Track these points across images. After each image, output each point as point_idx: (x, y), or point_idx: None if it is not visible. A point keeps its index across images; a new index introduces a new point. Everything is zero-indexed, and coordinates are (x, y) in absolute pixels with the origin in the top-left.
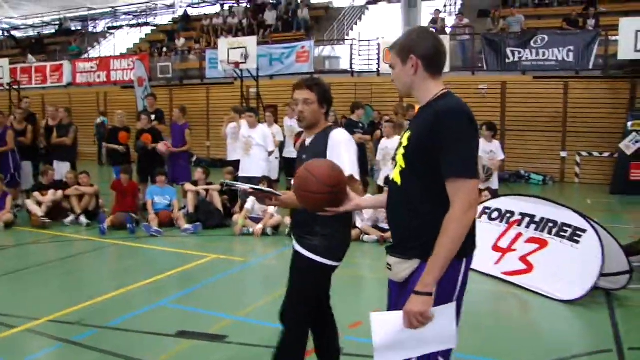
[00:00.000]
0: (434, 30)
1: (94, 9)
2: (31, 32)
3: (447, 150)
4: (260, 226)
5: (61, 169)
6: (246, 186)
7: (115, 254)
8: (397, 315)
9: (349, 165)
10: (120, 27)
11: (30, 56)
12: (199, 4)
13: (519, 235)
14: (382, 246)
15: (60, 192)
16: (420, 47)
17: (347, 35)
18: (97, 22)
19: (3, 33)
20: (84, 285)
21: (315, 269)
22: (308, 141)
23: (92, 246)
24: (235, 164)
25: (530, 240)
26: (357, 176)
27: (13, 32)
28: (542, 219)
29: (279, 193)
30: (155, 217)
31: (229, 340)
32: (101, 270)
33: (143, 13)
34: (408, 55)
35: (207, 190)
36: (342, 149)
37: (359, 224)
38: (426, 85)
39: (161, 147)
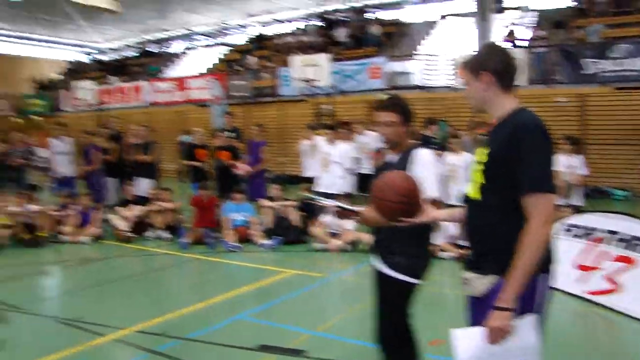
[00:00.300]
0: (504, 46)
1: (172, 31)
2: (115, 56)
3: (524, 165)
4: (337, 242)
5: (144, 186)
6: (328, 202)
7: (196, 268)
8: (479, 331)
9: (430, 187)
10: (197, 48)
11: (112, 77)
12: (272, 23)
13: (605, 253)
14: (459, 263)
15: (143, 208)
16: (491, 63)
17: (418, 50)
18: (174, 43)
19: (90, 57)
20: (166, 297)
21: (398, 287)
22: (392, 159)
23: (173, 260)
24: (311, 180)
25: (618, 259)
26: (436, 198)
27: (99, 56)
28: (631, 236)
29: (359, 209)
30: (233, 233)
31: (308, 355)
32: (182, 283)
33: (218, 33)
34: (479, 71)
35: (283, 206)
36: (425, 171)
37: (437, 240)
38: (499, 100)
39: (241, 170)
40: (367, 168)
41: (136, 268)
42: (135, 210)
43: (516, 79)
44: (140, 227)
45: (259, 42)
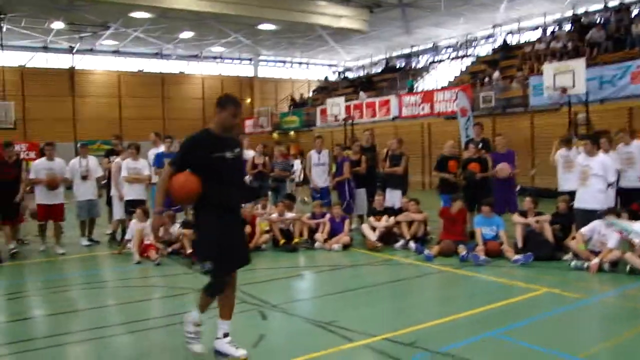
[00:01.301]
0: None
1: (417, 46)
2: (361, 72)
3: None
4: (596, 260)
5: (393, 197)
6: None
7: (442, 281)
8: None
9: None
10: (442, 60)
11: (361, 93)
12: (518, 31)
13: None
14: None
15: (392, 218)
16: None
17: None
18: (420, 58)
19: (339, 75)
20: (412, 308)
21: None
22: None
23: (419, 271)
24: (568, 194)
25: None
26: None
27: (347, 74)
28: None
29: None
30: (482, 247)
31: None
32: (428, 295)
33: (463, 45)
34: None
35: (537, 221)
36: None
37: None
38: None
39: (501, 171)
40: (632, 181)
41: (383, 277)
42: (385, 221)
43: None
44: (388, 237)
45: (506, 52)
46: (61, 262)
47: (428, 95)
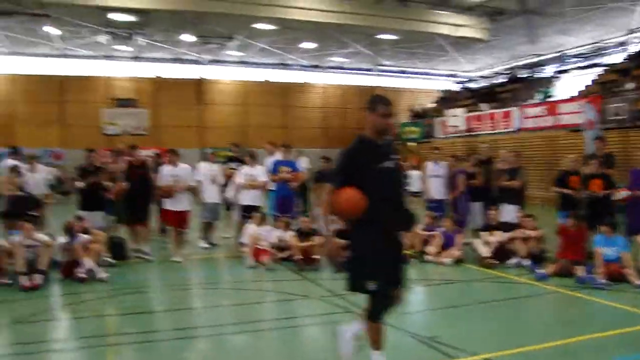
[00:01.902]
0: None
1: (543, 55)
2: (484, 83)
3: None
4: None
5: (509, 212)
6: None
7: (555, 302)
8: None
9: None
10: (568, 70)
11: (482, 104)
12: None
13: None
14: None
15: (506, 234)
16: None
17: None
18: (545, 67)
19: (461, 85)
20: (521, 329)
21: None
22: None
23: (532, 291)
24: None
25: None
26: None
27: (468, 84)
28: None
29: None
30: (603, 269)
31: None
32: (540, 316)
33: (593, 54)
34: None
35: None
36: None
37: None
38: None
39: (619, 195)
40: None
41: (492, 294)
42: (498, 236)
43: None
44: (502, 253)
45: None
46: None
47: (552, 107)
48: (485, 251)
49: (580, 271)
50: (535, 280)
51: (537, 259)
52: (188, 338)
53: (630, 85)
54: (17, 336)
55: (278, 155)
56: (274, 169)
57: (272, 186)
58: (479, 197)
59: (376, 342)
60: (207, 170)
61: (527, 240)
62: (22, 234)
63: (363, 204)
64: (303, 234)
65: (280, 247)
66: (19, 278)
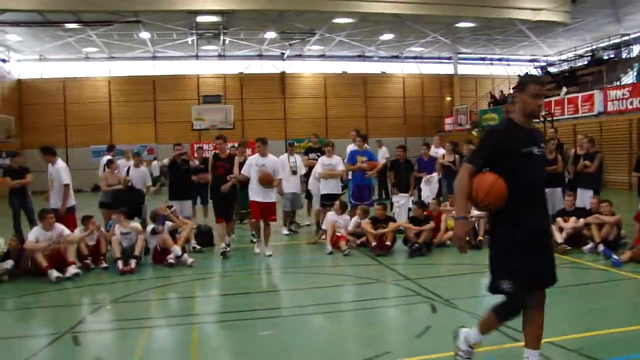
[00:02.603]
0: None
1: (628, 35)
2: (565, 66)
3: None
4: None
5: (584, 197)
6: None
7: (629, 289)
8: None
9: None
10: None
11: (563, 88)
12: None
13: None
14: None
15: (581, 220)
16: None
17: None
18: (632, 47)
19: (540, 70)
20: (589, 314)
21: None
22: None
23: (606, 277)
24: None
25: None
26: None
27: (549, 68)
28: None
29: None
30: None
31: None
32: (610, 302)
33: None
34: None
35: None
36: None
37: None
38: None
39: None
40: None
41: (564, 280)
42: (573, 222)
43: None
44: (577, 239)
45: None
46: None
47: (637, 88)
48: (559, 237)
49: None
50: (611, 266)
51: (613, 245)
52: (269, 318)
53: None
54: (116, 314)
55: (355, 146)
56: (352, 159)
57: (350, 175)
58: (557, 183)
59: (487, 332)
60: (286, 162)
61: (603, 226)
62: (117, 223)
63: (504, 192)
64: (377, 222)
65: (357, 234)
66: (116, 263)
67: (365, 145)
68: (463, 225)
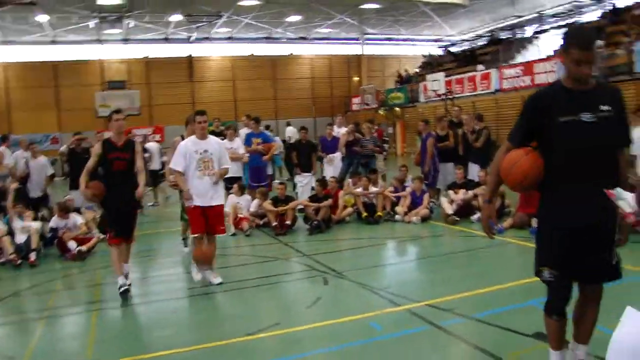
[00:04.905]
0: None
1: (522, 17)
2: (466, 46)
3: None
4: None
5: (473, 170)
6: None
7: (505, 253)
8: None
9: None
10: (547, 30)
11: (480, 66)
12: None
13: None
14: None
15: (470, 192)
16: None
17: None
18: (525, 28)
19: (444, 50)
20: (466, 277)
21: None
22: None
23: (491, 243)
24: None
25: None
26: None
27: (451, 48)
28: None
29: None
30: None
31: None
32: (485, 265)
33: (570, 13)
34: None
35: None
36: None
37: None
38: None
39: None
40: None
41: (449, 248)
42: (462, 194)
43: None
44: (467, 210)
45: (615, 16)
46: (165, 234)
47: (528, 67)
48: (449, 208)
49: (534, 223)
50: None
51: (499, 213)
52: (172, 299)
53: (600, 43)
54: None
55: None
56: (247, 141)
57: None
58: (450, 158)
59: (551, 340)
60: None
61: None
62: (16, 217)
63: (532, 172)
64: (278, 201)
65: (259, 214)
66: (12, 257)
67: (261, 128)
68: (484, 210)
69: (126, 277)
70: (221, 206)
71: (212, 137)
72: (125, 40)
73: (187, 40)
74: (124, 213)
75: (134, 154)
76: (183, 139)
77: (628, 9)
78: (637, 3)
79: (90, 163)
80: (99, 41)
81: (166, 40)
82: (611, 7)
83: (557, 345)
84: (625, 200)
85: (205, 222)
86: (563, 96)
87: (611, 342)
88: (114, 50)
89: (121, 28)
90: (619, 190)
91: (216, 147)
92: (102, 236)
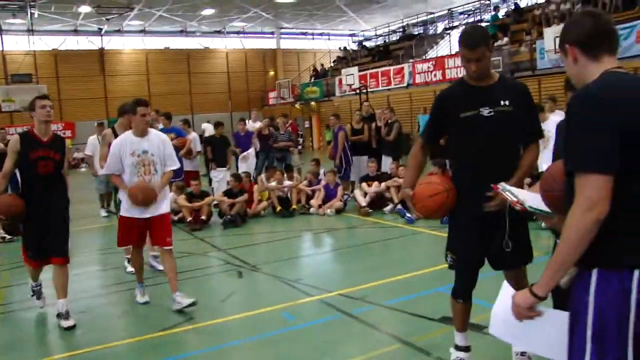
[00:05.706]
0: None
1: (433, 13)
2: (380, 41)
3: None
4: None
5: (386, 163)
6: None
7: (415, 242)
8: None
9: None
10: (457, 26)
11: (377, 62)
12: None
13: None
14: None
15: (383, 184)
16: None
17: None
18: (437, 24)
19: (358, 45)
20: (376, 267)
21: None
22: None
23: (399, 233)
24: None
25: None
26: None
27: (366, 43)
28: None
29: None
30: None
31: (486, 332)
32: (396, 255)
33: (478, 11)
34: (563, 45)
35: None
36: None
37: None
38: (588, 71)
39: None
40: None
41: (362, 239)
42: (375, 186)
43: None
44: (380, 201)
45: (518, 15)
46: (82, 232)
47: (440, 62)
48: (362, 200)
49: None
50: (405, 223)
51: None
52: (85, 298)
53: (505, 40)
54: None
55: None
56: None
57: None
58: (363, 151)
59: (456, 322)
60: (97, 143)
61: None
62: None
63: (443, 208)
64: (193, 196)
65: (173, 210)
66: None
67: (180, 123)
68: (403, 192)
69: (66, 316)
70: (168, 214)
71: (154, 133)
72: (30, 32)
73: (98, 33)
74: (49, 226)
75: (63, 154)
76: (114, 131)
77: (529, 9)
78: (537, 4)
79: (7, 165)
80: (0, 31)
81: (76, 32)
82: (514, 7)
83: (462, 327)
84: (509, 191)
85: (139, 234)
86: (465, 93)
87: (491, 316)
88: (18, 42)
89: (25, 19)
90: (502, 184)
91: (159, 145)
92: (8, 237)
